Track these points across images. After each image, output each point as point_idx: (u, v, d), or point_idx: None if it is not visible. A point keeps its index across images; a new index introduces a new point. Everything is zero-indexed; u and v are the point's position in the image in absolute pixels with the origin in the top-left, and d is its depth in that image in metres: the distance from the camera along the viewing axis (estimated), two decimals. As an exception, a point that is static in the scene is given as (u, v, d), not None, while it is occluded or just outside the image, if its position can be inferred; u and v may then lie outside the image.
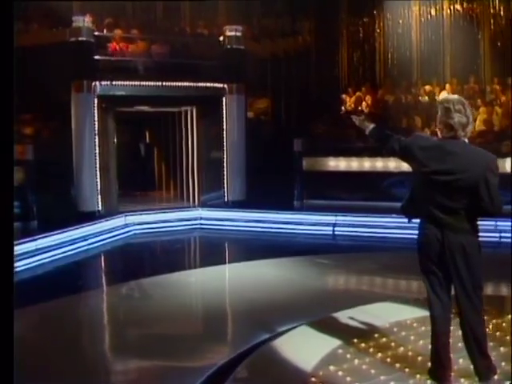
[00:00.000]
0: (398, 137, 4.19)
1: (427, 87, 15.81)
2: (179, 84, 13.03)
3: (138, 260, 10.92)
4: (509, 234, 11.84)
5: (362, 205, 12.98)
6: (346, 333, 5.33)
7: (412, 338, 5.21)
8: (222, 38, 13.43)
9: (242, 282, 8.36)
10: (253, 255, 10.01)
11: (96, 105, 12.35)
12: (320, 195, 13.34)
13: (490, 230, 12.09)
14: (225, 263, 10.14)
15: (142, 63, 12.93)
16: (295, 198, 13.67)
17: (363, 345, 5.05)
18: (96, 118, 12.37)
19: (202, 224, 13.44)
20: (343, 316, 5.86)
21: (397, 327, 5.51)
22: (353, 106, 15.71)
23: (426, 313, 4.46)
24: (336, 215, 12.59)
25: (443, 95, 15.12)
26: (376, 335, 5.32)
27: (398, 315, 5.87)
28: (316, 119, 15.11)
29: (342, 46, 17.07)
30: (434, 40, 16.49)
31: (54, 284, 8.66)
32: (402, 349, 4.96)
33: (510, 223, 12.05)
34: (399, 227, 12.10)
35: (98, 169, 12.50)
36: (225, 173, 13.73)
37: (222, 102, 13.47)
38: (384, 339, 5.21)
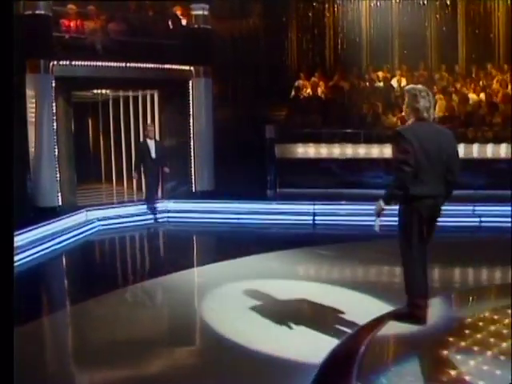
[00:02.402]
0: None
1: (380, 73, 15.45)
2: (141, 65, 11.70)
3: (104, 264, 9.53)
4: (490, 219, 11.69)
5: (338, 192, 12.39)
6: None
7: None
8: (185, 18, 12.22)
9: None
10: (239, 251, 8.88)
11: (54, 87, 10.79)
12: (294, 183, 12.56)
13: (468, 214, 11.91)
14: (207, 263, 8.67)
15: (101, 42, 11.44)
16: (268, 187, 12.78)
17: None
18: (54, 102, 10.81)
19: (169, 217, 12.25)
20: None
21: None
22: (310, 91, 15.03)
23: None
24: (314, 204, 11.89)
25: (399, 82, 14.84)
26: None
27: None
28: (279, 105, 14.26)
29: (292, 30, 16.31)
30: (383, 26, 16.15)
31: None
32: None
33: (489, 208, 11.93)
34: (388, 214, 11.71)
35: (57, 159, 10.96)
36: (192, 161, 12.57)
37: (189, 85, 12.27)
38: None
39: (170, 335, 5.78)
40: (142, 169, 11.49)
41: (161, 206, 12.27)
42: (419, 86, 4.71)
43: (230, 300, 6.45)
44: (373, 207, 4.73)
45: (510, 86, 14.46)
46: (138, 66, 11.63)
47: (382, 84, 15.22)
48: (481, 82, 14.77)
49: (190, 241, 10.97)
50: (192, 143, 12.47)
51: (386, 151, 13.09)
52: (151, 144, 11.29)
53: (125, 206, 12.18)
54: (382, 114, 13.92)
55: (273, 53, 15.54)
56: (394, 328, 4.80)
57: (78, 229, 10.77)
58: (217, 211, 12.21)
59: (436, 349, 4.19)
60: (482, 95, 14.21)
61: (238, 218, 12.05)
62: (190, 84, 12.24)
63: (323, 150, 13.29)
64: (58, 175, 10.96)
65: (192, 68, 12.14)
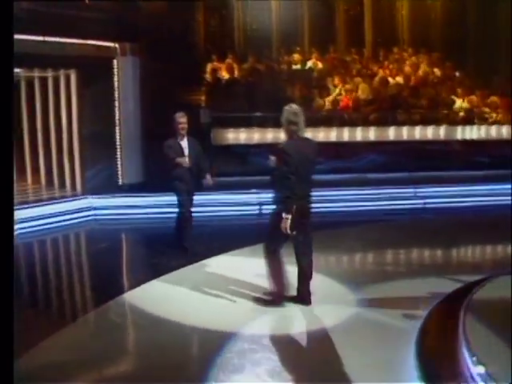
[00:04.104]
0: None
1: (296, 56, 14.83)
2: (55, 40, 9.93)
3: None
4: (433, 200, 11.59)
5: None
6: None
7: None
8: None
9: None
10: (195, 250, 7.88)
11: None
12: (234, 172, 11.50)
13: (410, 197, 11.73)
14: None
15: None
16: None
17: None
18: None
19: (96, 215, 10.65)
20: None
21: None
22: (226, 74, 13.97)
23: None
24: (260, 193, 10.98)
25: (315, 65, 14.33)
26: None
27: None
28: (195, 88, 13.05)
29: (198, 11, 15.07)
30: (293, 7, 15.51)
31: None
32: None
33: (431, 189, 11.82)
34: (331, 200, 11.18)
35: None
36: (118, 151, 11.01)
37: (113, 65, 10.68)
38: None
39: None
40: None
41: (84, 202, 10.64)
42: (294, 107, 5.39)
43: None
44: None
45: (421, 69, 14.56)
46: (53, 40, 9.84)
47: (299, 67, 14.60)
48: (391, 66, 14.69)
49: (120, 242, 9.54)
50: (118, 130, 10.90)
51: (320, 135, 12.51)
52: (184, 144, 7.75)
53: (42, 206, 10.36)
54: (310, 97, 13.31)
55: (181, 34, 14.18)
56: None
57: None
58: (148, 206, 10.87)
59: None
60: (399, 78, 14.12)
61: (173, 212, 10.81)
62: (115, 63, 10.64)
63: (256, 135, 12.35)
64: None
65: (117, 45, 10.55)
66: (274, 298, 5.56)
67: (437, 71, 14.57)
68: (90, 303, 6.53)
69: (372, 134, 12.61)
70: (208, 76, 13.70)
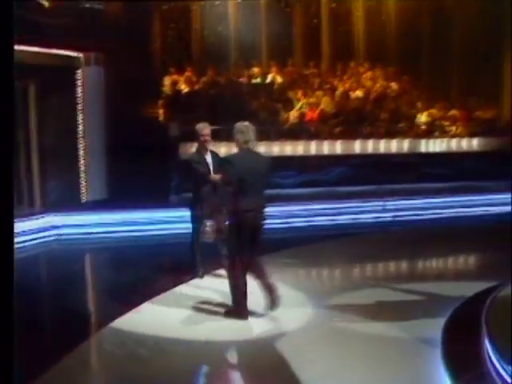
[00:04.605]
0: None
1: (256, 69, 14.62)
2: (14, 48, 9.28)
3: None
4: (405, 213, 11.59)
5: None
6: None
7: None
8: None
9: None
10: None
11: None
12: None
13: (379, 210, 11.71)
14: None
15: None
16: (172, 192, 11.12)
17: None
18: None
19: (58, 235, 10.01)
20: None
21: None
22: (186, 87, 13.60)
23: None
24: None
25: (274, 79, 14.18)
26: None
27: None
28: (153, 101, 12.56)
29: (156, 22, 14.62)
30: (251, 21, 15.31)
31: None
32: None
33: (400, 202, 11.81)
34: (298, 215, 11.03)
35: None
36: (81, 166, 10.41)
37: (77, 75, 10.11)
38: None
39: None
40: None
41: (44, 221, 9.99)
42: (245, 124, 5.49)
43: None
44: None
45: (379, 83, 14.66)
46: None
47: (259, 80, 14.40)
48: (351, 80, 14.73)
49: (85, 264, 9.00)
50: (82, 144, 10.32)
51: (287, 149, 12.35)
52: (209, 159, 6.82)
53: None
54: (274, 110, 13.15)
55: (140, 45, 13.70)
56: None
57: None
58: (115, 223, 10.34)
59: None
60: (360, 92, 14.15)
61: (139, 230, 10.36)
62: (80, 74, 10.08)
63: (223, 149, 11.99)
64: None
65: (81, 55, 9.99)
66: (239, 312, 5.56)
67: (394, 85, 14.69)
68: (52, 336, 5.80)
69: (339, 147, 12.52)
70: (167, 89, 13.30)
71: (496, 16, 14.51)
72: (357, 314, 5.73)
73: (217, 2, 15.10)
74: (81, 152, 10.32)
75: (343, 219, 11.25)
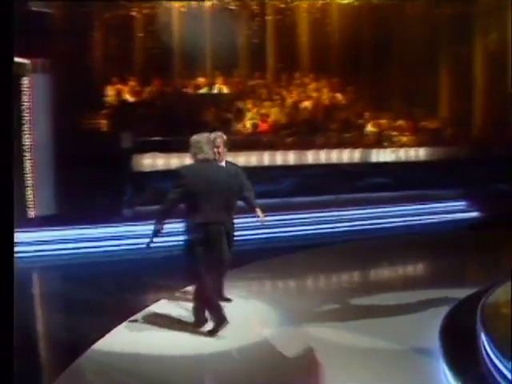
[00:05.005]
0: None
1: (201, 79, 14.34)
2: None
3: None
4: (360, 222, 11.60)
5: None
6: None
7: None
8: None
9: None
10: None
11: None
12: (156, 200, 10.65)
13: (334, 220, 11.68)
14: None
15: None
16: (124, 206, 10.61)
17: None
18: None
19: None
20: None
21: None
22: (130, 96, 13.15)
23: None
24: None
25: (220, 89, 13.98)
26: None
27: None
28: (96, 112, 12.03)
29: (97, 30, 14.05)
30: (195, 31, 15.02)
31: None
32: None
33: (358, 212, 11.82)
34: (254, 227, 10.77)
35: None
36: (28, 179, 9.77)
37: (23, 83, 9.49)
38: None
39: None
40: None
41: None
42: (202, 136, 5.35)
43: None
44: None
45: (325, 94, 14.72)
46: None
47: (205, 90, 14.13)
48: (297, 91, 14.72)
49: (33, 284, 8.30)
50: (28, 157, 9.69)
51: (241, 159, 12.09)
52: None
53: None
54: (225, 121, 12.90)
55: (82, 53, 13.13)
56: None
57: None
58: (65, 240, 9.77)
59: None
60: (308, 103, 14.14)
61: (91, 247, 9.83)
62: (26, 82, 9.46)
63: (174, 161, 11.62)
64: None
65: (29, 61, 9.39)
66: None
67: (339, 96, 14.78)
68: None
69: (291, 157, 12.41)
70: (112, 99, 12.81)
71: (436, 27, 14.96)
72: (325, 325, 5.65)
73: (160, 10, 14.71)
74: (27, 165, 9.65)
75: (298, 230, 11.13)
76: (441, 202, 12.34)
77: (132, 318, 5.93)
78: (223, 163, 6.05)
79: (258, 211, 6.22)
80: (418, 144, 13.27)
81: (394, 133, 13.42)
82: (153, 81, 13.72)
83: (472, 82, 15.15)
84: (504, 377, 3.73)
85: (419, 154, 13.32)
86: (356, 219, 11.47)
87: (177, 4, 14.82)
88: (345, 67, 15.26)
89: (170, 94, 13.37)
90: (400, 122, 13.56)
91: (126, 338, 5.44)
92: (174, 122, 12.18)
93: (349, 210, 11.58)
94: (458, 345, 4.75)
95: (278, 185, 12.03)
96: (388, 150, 12.99)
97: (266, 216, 6.34)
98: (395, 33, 15.24)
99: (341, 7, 15.81)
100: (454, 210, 12.39)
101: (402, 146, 13.26)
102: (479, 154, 13.32)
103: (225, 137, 6.13)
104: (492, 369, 3.96)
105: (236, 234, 6.03)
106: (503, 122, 14.51)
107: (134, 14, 14.51)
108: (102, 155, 10.17)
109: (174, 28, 14.89)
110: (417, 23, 15.09)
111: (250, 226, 10.55)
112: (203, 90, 14.06)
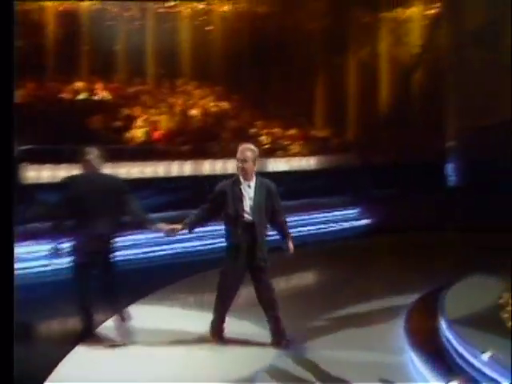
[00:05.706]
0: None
1: (80, 84, 13.20)
2: None
3: None
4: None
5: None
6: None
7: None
8: None
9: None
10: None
11: None
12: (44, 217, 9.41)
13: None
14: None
15: None
16: (14, 223, 9.14)
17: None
18: None
19: None
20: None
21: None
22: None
23: None
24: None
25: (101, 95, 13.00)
26: None
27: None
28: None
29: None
30: (71, 32, 13.89)
31: None
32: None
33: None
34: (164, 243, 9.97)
35: None
36: None
37: None
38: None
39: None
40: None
41: None
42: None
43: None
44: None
45: (210, 103, 14.24)
46: None
47: (84, 96, 12.99)
48: (183, 98, 14.11)
49: None
50: None
51: (134, 171, 11.21)
52: (247, 188, 4.78)
53: None
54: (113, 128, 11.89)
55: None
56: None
57: None
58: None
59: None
60: (196, 111, 13.54)
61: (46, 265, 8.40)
62: None
63: (62, 173, 10.40)
64: None
65: None
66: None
67: (225, 104, 14.37)
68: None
69: (188, 167, 11.72)
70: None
71: (313, 38, 15.11)
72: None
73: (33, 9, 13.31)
74: None
75: (214, 243, 10.43)
76: (336, 210, 12.25)
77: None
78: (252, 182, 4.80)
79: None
80: (310, 153, 13.17)
81: (287, 142, 13.22)
82: (25, 84, 12.27)
83: (346, 91, 15.44)
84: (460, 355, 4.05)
85: (311, 162, 13.22)
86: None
87: (50, 3, 13.51)
88: (228, 75, 14.88)
89: (43, 98, 12.02)
90: (292, 131, 13.41)
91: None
92: (57, 130, 10.96)
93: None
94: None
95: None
96: (283, 160, 12.74)
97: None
98: (275, 41, 15.13)
99: (222, 14, 15.43)
100: (345, 219, 12.35)
101: (296, 155, 13.10)
102: (361, 161, 13.51)
103: (256, 150, 4.84)
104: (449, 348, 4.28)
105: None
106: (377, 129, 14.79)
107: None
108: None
109: (48, 28, 13.59)
110: (296, 33, 15.13)
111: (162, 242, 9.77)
112: (82, 96, 12.88)
